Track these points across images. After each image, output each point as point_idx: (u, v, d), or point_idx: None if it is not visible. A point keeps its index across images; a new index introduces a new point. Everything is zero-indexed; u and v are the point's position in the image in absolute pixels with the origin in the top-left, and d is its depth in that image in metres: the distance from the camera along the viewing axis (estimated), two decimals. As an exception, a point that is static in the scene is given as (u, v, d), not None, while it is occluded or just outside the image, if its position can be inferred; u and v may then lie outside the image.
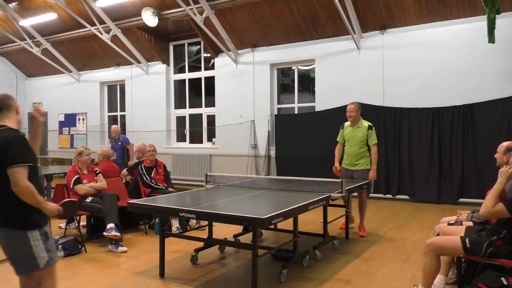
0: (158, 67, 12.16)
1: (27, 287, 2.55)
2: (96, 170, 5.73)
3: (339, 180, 4.63)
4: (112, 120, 13.71)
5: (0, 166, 2.38)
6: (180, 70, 12.30)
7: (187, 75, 12.12)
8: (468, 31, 7.94)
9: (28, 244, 2.41)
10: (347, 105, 8.81)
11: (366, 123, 5.78)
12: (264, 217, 3.24)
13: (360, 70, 9.00)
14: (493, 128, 7.54)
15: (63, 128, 14.42)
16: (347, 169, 5.81)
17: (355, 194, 5.81)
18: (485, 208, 3.02)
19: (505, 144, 3.47)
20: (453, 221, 3.81)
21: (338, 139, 6.05)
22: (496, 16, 6.49)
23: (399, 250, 4.97)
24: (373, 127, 5.75)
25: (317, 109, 9.58)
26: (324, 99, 9.44)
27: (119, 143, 8.97)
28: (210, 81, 11.51)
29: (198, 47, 11.94)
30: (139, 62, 12.15)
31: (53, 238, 4.70)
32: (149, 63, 12.28)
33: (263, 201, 4.51)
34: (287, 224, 4.33)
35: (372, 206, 7.94)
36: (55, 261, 2.55)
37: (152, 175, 6.28)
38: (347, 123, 5.98)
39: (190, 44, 12.01)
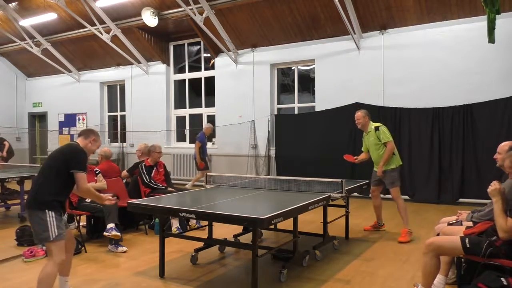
0: (158, 67, 12.16)
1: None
2: (96, 170, 5.73)
3: (339, 180, 4.63)
4: (112, 120, 13.71)
5: (64, 167, 3.24)
6: (180, 70, 12.31)
7: (187, 75, 12.12)
8: (468, 31, 7.94)
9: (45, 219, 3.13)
10: (347, 105, 8.95)
11: (373, 126, 5.69)
12: (264, 217, 3.24)
13: (360, 70, 9.01)
14: (493, 128, 7.54)
15: (63, 128, 14.42)
16: (376, 171, 5.75)
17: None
18: (501, 229, 2.95)
19: (508, 143, 3.45)
20: (453, 221, 3.81)
21: (363, 149, 5.93)
22: (496, 16, 6.49)
23: (399, 250, 4.97)
24: (380, 127, 5.61)
25: (317, 109, 9.58)
26: (324, 99, 9.44)
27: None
28: (210, 81, 11.51)
29: (198, 47, 11.95)
30: (139, 62, 12.15)
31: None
32: (149, 63, 12.28)
33: (263, 201, 4.51)
34: (287, 224, 4.32)
35: (372, 206, 7.93)
36: (63, 237, 3.22)
37: (152, 174, 6.28)
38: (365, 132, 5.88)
39: (190, 44, 12.01)
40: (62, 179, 3.27)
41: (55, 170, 3.27)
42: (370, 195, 6.00)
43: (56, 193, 3.24)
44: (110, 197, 3.63)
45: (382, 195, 8.52)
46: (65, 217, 3.43)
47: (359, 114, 5.75)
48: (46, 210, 3.15)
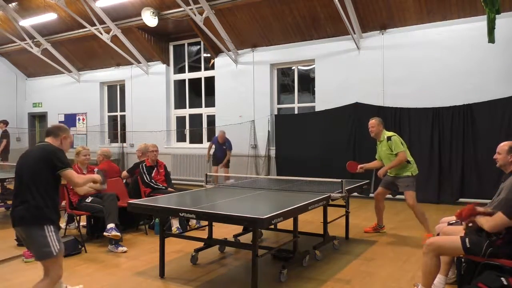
0: (158, 67, 12.16)
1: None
2: (96, 170, 5.73)
3: (339, 180, 4.63)
4: (112, 120, 13.71)
5: (49, 171, 3.02)
6: (180, 70, 12.31)
7: (187, 75, 12.13)
8: (468, 31, 7.94)
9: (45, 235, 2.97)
10: (347, 105, 8.95)
11: (386, 135, 5.47)
12: (264, 217, 3.24)
13: (360, 70, 9.01)
14: (493, 128, 7.54)
15: (63, 128, 14.39)
16: (390, 176, 5.57)
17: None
18: (487, 224, 3.02)
19: (507, 143, 3.43)
20: (453, 221, 3.80)
21: (376, 156, 5.75)
22: (496, 16, 6.49)
23: (399, 250, 4.97)
24: (393, 137, 5.40)
25: (317, 109, 9.58)
26: (324, 99, 9.44)
27: (224, 147, 9.68)
28: (210, 81, 11.51)
29: (198, 47, 11.95)
30: (139, 62, 12.15)
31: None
32: (149, 63, 12.28)
33: (263, 201, 4.51)
34: (287, 224, 4.32)
35: (372, 206, 7.92)
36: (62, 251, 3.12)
37: (153, 174, 6.28)
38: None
39: (190, 44, 12.01)
40: (51, 186, 3.05)
41: (40, 178, 3.00)
42: (374, 196, 5.82)
43: (50, 204, 3.02)
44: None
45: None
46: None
47: (373, 122, 5.54)
48: (45, 226, 2.95)
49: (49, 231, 2.97)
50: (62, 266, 3.14)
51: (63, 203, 5.44)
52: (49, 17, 11.24)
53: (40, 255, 3.00)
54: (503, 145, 3.43)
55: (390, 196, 8.51)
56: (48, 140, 3.22)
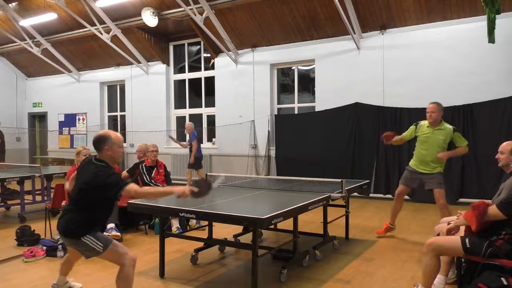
0: (158, 67, 12.16)
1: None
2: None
3: (339, 180, 4.63)
4: (112, 120, 13.71)
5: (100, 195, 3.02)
6: (180, 70, 12.31)
7: (187, 75, 12.13)
8: (468, 31, 7.94)
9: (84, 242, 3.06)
10: (347, 105, 8.95)
11: (449, 126, 5.19)
12: (264, 217, 3.24)
13: (360, 70, 9.00)
14: (493, 128, 7.53)
15: (63, 128, 14.43)
16: (417, 172, 5.30)
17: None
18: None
19: (511, 143, 3.41)
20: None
21: (403, 135, 5.49)
22: (496, 16, 6.49)
23: (399, 250, 4.97)
24: (457, 131, 5.22)
25: (317, 109, 9.58)
26: (324, 99, 9.44)
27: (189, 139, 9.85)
28: (210, 81, 11.52)
29: (198, 47, 11.95)
30: (139, 62, 12.15)
31: (54, 237, 4.71)
32: (149, 63, 12.28)
33: (263, 201, 4.51)
34: (287, 224, 4.32)
35: (372, 206, 7.95)
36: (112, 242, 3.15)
37: (153, 175, 6.28)
38: (423, 122, 5.34)
39: (190, 44, 12.01)
40: (95, 203, 3.09)
41: (87, 200, 3.06)
42: (396, 195, 5.59)
43: (89, 220, 3.09)
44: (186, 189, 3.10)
45: (382, 195, 8.58)
46: None
47: (434, 106, 5.17)
48: (81, 238, 3.04)
49: (86, 238, 3.04)
50: (124, 250, 3.19)
51: (63, 203, 5.45)
52: (49, 17, 11.24)
53: (90, 255, 3.15)
54: (506, 145, 3.41)
55: (390, 196, 8.55)
56: (98, 155, 3.20)
